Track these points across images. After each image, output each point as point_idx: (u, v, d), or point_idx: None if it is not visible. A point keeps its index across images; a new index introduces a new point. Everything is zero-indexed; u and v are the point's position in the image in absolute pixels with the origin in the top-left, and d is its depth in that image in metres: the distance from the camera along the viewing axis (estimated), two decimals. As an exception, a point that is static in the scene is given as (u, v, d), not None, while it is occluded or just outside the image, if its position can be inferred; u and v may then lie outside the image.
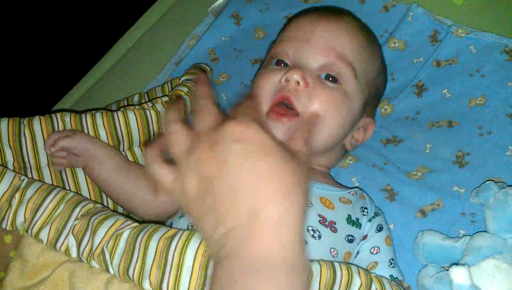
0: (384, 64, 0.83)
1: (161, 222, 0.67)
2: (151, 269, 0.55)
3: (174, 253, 0.55)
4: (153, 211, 0.74)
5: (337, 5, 0.95)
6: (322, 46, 0.73)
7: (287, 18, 0.99)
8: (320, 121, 0.70)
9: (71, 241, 0.59)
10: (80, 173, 0.77)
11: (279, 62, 0.75)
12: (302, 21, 0.78)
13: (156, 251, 0.55)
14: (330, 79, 0.72)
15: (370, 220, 0.71)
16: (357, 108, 0.74)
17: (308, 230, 0.65)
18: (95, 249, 0.58)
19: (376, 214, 0.72)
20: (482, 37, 0.85)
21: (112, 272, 0.58)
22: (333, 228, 0.66)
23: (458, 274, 0.58)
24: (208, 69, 0.95)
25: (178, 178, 0.42)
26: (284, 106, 0.70)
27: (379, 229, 0.71)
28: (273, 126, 0.69)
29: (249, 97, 0.74)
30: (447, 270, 0.62)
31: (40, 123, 0.75)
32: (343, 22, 0.76)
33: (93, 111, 0.78)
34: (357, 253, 0.70)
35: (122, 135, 0.79)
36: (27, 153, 0.74)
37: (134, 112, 0.79)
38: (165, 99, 0.83)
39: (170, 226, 0.60)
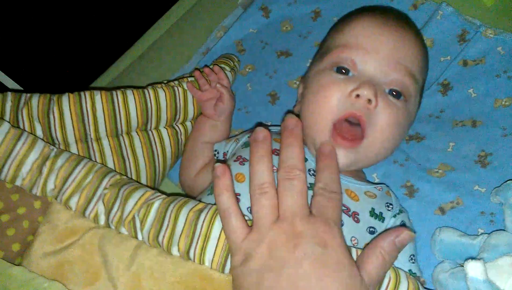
0: None
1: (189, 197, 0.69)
2: (180, 237, 0.58)
3: (203, 224, 0.57)
4: (187, 183, 0.86)
5: (368, 2, 0.95)
6: (393, 60, 0.69)
7: (315, 13, 1.00)
8: (384, 141, 0.69)
9: (100, 209, 0.62)
10: (106, 147, 0.79)
11: (340, 69, 0.71)
12: (367, 25, 0.73)
13: (185, 221, 0.58)
14: (394, 93, 0.70)
15: (394, 216, 0.72)
16: (412, 120, 0.76)
17: None
18: (126, 217, 0.60)
19: (400, 211, 0.73)
20: (511, 39, 0.85)
21: (141, 238, 0.60)
22: (355, 219, 0.67)
23: (473, 268, 0.58)
24: (236, 59, 0.96)
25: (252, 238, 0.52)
26: (348, 124, 0.68)
27: (402, 224, 0.72)
28: (337, 149, 0.67)
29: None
30: (463, 266, 0.62)
31: (69, 101, 0.76)
32: (409, 33, 0.73)
33: (123, 89, 0.80)
34: None
35: (152, 110, 0.81)
36: (55, 130, 0.76)
37: (163, 89, 0.81)
38: (191, 78, 0.85)
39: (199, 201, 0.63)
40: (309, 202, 0.65)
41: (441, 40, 0.90)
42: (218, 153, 0.82)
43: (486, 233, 0.68)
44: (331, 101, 0.69)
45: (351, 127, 0.68)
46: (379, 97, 0.68)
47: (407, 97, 0.71)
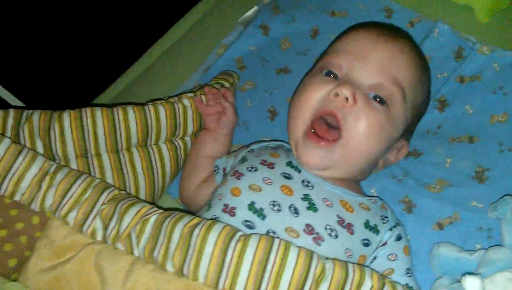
0: (430, 92, 0.83)
1: (187, 212, 0.69)
2: (174, 252, 0.58)
3: (196, 239, 0.57)
4: (186, 195, 0.86)
5: (364, 18, 0.97)
6: (378, 66, 0.72)
7: (313, 31, 1.01)
8: (361, 143, 0.70)
9: (98, 224, 0.62)
10: (106, 163, 0.80)
11: (329, 74, 0.74)
12: (360, 36, 0.76)
13: (180, 237, 0.58)
14: (378, 100, 0.71)
15: (391, 229, 0.72)
16: (398, 132, 0.75)
17: (325, 228, 0.66)
18: (122, 232, 0.60)
19: (396, 224, 0.73)
20: (506, 55, 0.86)
21: (137, 254, 0.60)
22: (350, 230, 0.67)
23: (471, 284, 0.58)
24: (236, 76, 0.97)
25: None
26: (325, 125, 0.70)
27: (398, 238, 0.72)
28: (311, 148, 0.70)
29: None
30: (461, 282, 0.62)
31: (70, 117, 0.77)
32: (401, 45, 0.75)
33: (123, 105, 0.80)
34: (374, 258, 0.70)
35: (152, 127, 0.81)
36: (56, 146, 0.76)
37: (163, 105, 0.82)
38: (190, 94, 0.86)
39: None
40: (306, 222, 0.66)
41: (438, 57, 0.91)
42: (218, 168, 0.82)
43: (484, 249, 0.68)
44: (311, 99, 0.72)
45: (328, 129, 0.70)
46: (359, 97, 0.69)
47: (390, 104, 0.72)
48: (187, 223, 0.59)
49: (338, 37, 0.81)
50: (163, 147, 0.85)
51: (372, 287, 0.57)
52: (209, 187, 0.82)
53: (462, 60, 0.89)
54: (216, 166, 0.83)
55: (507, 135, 0.80)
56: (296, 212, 0.66)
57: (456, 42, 0.91)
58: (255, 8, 1.09)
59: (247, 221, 0.65)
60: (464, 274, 0.60)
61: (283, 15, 1.04)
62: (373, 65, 0.72)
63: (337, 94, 0.70)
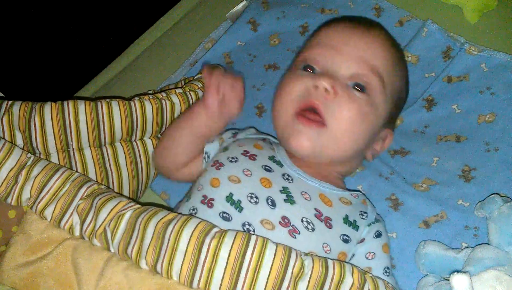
0: (408, 79, 0.84)
1: (164, 207, 0.68)
2: (147, 249, 0.56)
3: (170, 236, 0.56)
4: (169, 168, 0.79)
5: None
6: (354, 56, 0.73)
7: (303, 27, 1.00)
8: (346, 131, 0.70)
9: (75, 220, 0.60)
10: (88, 158, 0.78)
11: (307, 68, 0.75)
12: (335, 28, 0.78)
13: (153, 233, 0.56)
14: (358, 88, 0.72)
15: (369, 225, 0.71)
16: (381, 119, 0.75)
17: (302, 221, 0.65)
18: (98, 228, 0.59)
19: (376, 220, 0.73)
20: (494, 56, 0.87)
21: (112, 250, 0.58)
22: (328, 224, 0.67)
23: (459, 281, 0.57)
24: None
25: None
26: (313, 111, 0.70)
27: (378, 235, 0.71)
28: (301, 129, 0.70)
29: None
30: (448, 280, 0.62)
31: (51, 110, 0.74)
32: (376, 34, 0.77)
33: (108, 99, 0.78)
34: (353, 255, 0.70)
35: (137, 123, 0.79)
36: (36, 139, 0.74)
37: (150, 102, 0.79)
38: (179, 91, 0.84)
39: (178, 209, 0.62)
40: (285, 212, 0.65)
41: (426, 57, 0.91)
42: (208, 157, 0.78)
43: (470, 247, 0.68)
44: (292, 94, 0.73)
45: (315, 114, 0.70)
46: (338, 88, 0.70)
47: (370, 91, 0.72)
48: (161, 219, 0.57)
49: (314, 32, 0.83)
50: (148, 142, 0.84)
51: (352, 284, 0.57)
52: (196, 168, 0.77)
53: (450, 60, 0.89)
54: (206, 152, 0.79)
55: (494, 135, 0.80)
56: (273, 204, 0.66)
57: (445, 42, 0.91)
58: (244, 2, 1.08)
59: (224, 213, 0.65)
60: (452, 272, 0.60)
61: (273, 11, 1.03)
62: (349, 55, 0.73)
63: (316, 87, 0.70)
